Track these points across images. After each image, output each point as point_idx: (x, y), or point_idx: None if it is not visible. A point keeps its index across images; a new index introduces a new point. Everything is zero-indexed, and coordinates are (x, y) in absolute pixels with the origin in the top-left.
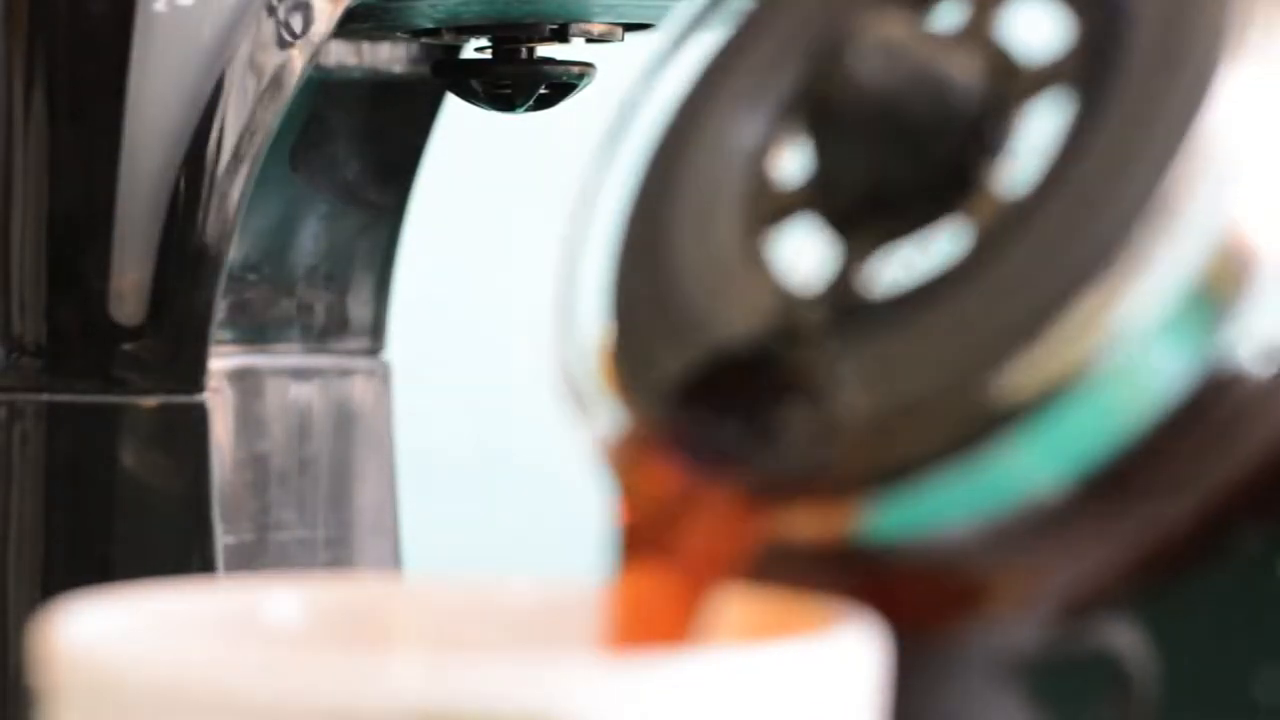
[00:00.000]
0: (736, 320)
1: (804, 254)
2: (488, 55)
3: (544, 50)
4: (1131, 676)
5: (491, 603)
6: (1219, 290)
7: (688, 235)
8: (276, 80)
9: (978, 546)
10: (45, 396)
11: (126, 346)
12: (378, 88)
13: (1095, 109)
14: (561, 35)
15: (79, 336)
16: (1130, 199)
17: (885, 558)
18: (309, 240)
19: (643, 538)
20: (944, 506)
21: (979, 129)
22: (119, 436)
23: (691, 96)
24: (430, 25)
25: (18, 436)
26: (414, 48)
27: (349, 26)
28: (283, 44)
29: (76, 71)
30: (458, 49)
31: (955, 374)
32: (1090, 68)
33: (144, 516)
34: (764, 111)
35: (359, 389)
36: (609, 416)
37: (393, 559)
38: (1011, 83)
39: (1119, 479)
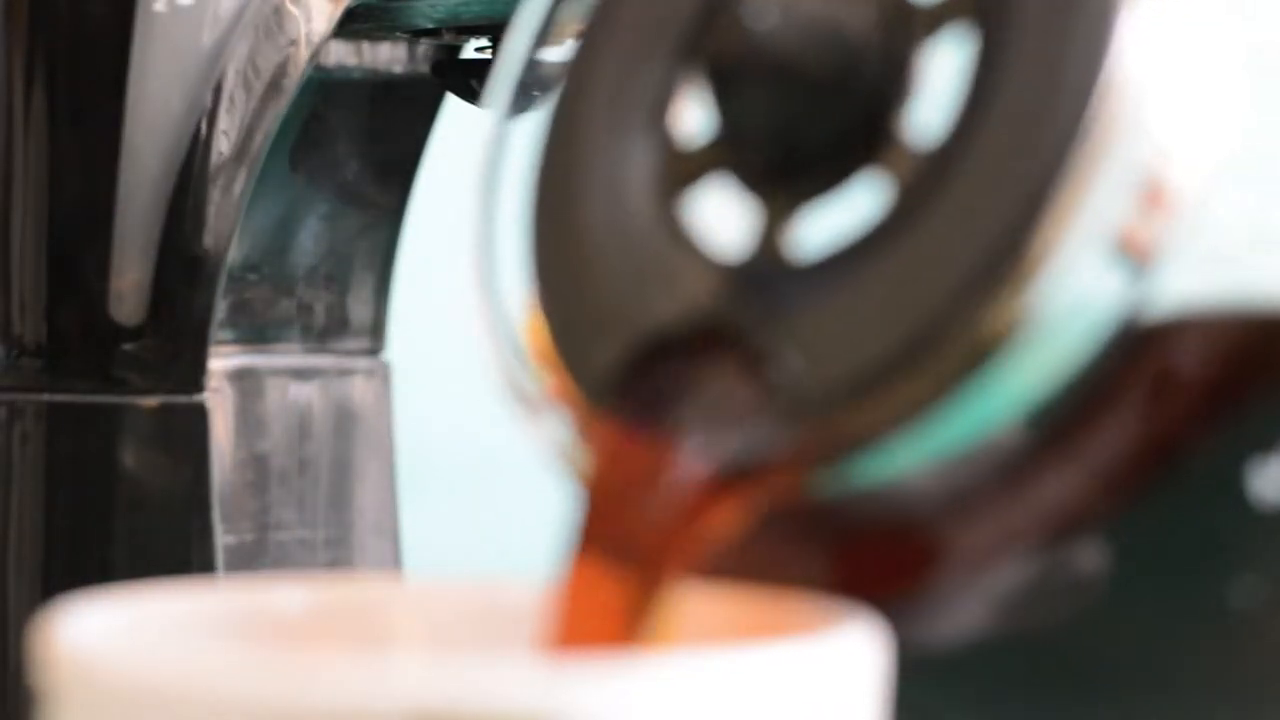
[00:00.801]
0: (666, 301)
1: (723, 216)
2: (488, 55)
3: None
4: (1092, 586)
5: (491, 603)
6: (1147, 227)
7: (601, 211)
8: (276, 80)
9: (941, 494)
10: (45, 396)
11: (126, 346)
12: (378, 88)
13: (997, 45)
14: None
15: (79, 336)
16: (1050, 144)
17: (850, 518)
18: (309, 240)
19: (603, 525)
20: (904, 461)
21: (882, 76)
22: (119, 436)
23: (579, 61)
24: (430, 25)
25: (18, 436)
26: (414, 48)
27: (349, 26)
28: (283, 44)
29: (76, 71)
30: (458, 49)
31: (903, 338)
32: (986, 1)
33: (144, 516)
34: (657, 69)
35: (359, 389)
36: (556, 414)
37: (393, 559)
38: (908, 23)
39: (1068, 417)
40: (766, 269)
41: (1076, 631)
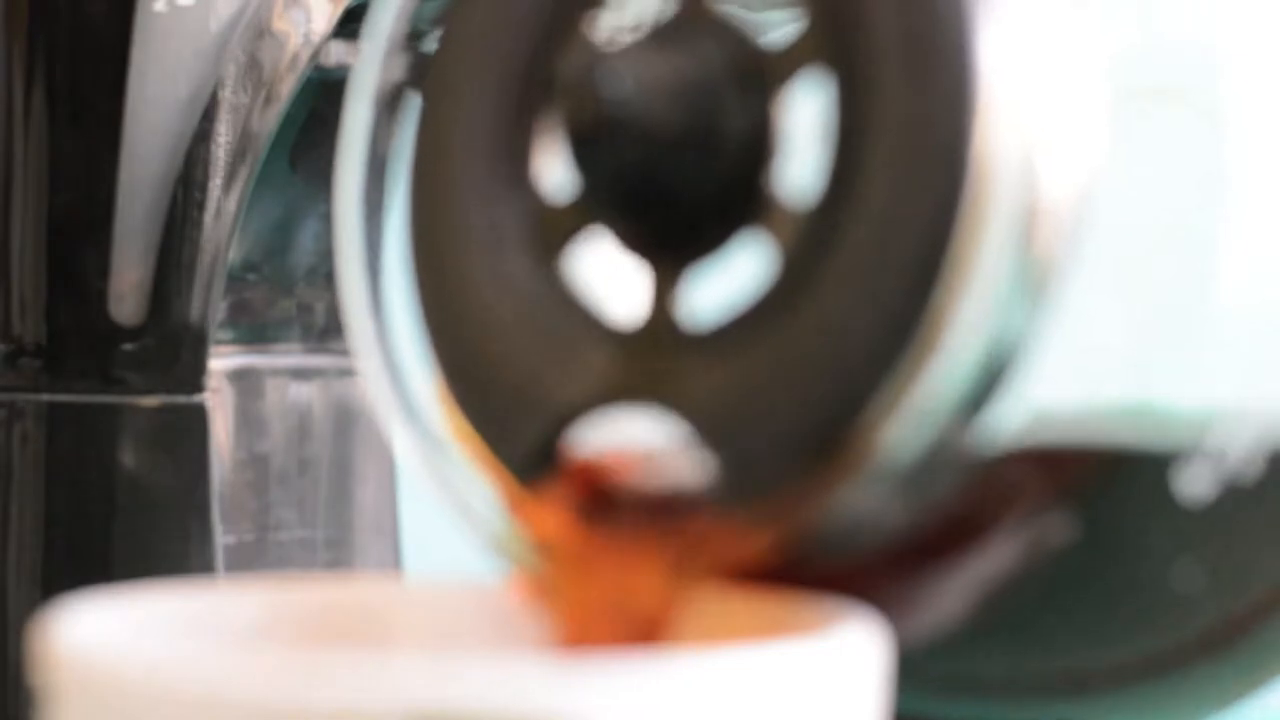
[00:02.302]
0: (572, 379)
1: (603, 274)
2: None
3: None
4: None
5: (491, 603)
6: (1036, 255)
7: (486, 283)
8: (276, 80)
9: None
10: (45, 396)
11: (126, 346)
12: None
13: (855, 90)
14: None
15: (79, 336)
16: (935, 199)
17: (810, 564)
18: (309, 240)
19: (571, 602)
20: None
21: (745, 131)
22: (119, 436)
23: (431, 121)
24: (430, 26)
25: (18, 436)
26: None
27: (349, 26)
28: (283, 44)
29: (76, 71)
30: None
31: (809, 430)
32: (834, 42)
33: (144, 516)
34: (512, 125)
35: (359, 389)
36: (482, 493)
37: (393, 559)
38: (762, 74)
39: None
40: (663, 337)
41: (1034, 611)
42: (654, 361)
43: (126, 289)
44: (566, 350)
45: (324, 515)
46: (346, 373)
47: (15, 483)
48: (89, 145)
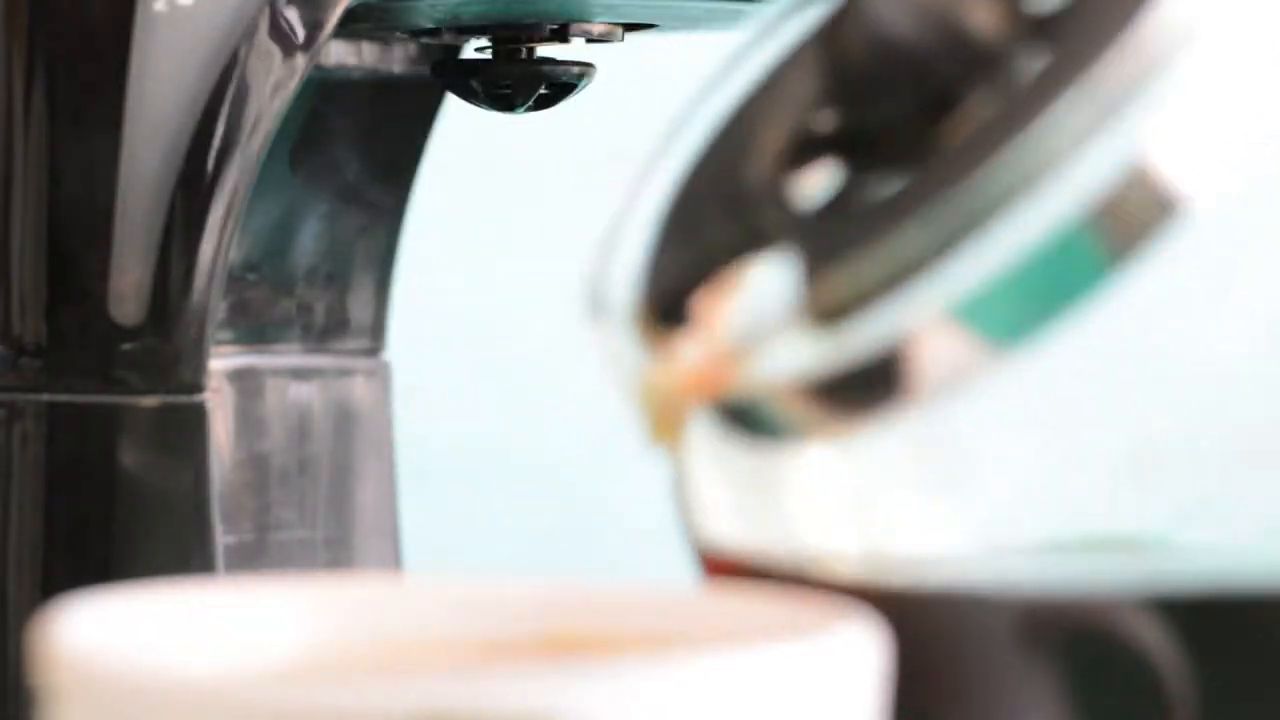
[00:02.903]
0: (726, 234)
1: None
2: (488, 55)
3: (544, 50)
4: (1164, 676)
5: (491, 603)
6: (1132, 206)
7: (722, 179)
8: (276, 80)
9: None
10: (45, 396)
11: (126, 346)
12: (378, 88)
13: (1061, 45)
14: (561, 35)
15: (79, 336)
16: (1055, 115)
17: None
18: (309, 240)
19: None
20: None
21: (983, 70)
22: (119, 436)
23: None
24: (430, 25)
25: (18, 436)
26: (414, 48)
27: (349, 26)
28: (283, 44)
29: (76, 71)
30: (458, 49)
31: (900, 206)
32: (1067, 13)
33: (144, 516)
34: (806, 76)
35: (359, 389)
36: (628, 331)
37: (393, 559)
38: (1013, 29)
39: None
40: (830, 215)
41: None
42: (810, 225)
43: (126, 289)
44: (745, 220)
45: (324, 515)
46: (346, 373)
47: (15, 483)
48: (89, 145)
